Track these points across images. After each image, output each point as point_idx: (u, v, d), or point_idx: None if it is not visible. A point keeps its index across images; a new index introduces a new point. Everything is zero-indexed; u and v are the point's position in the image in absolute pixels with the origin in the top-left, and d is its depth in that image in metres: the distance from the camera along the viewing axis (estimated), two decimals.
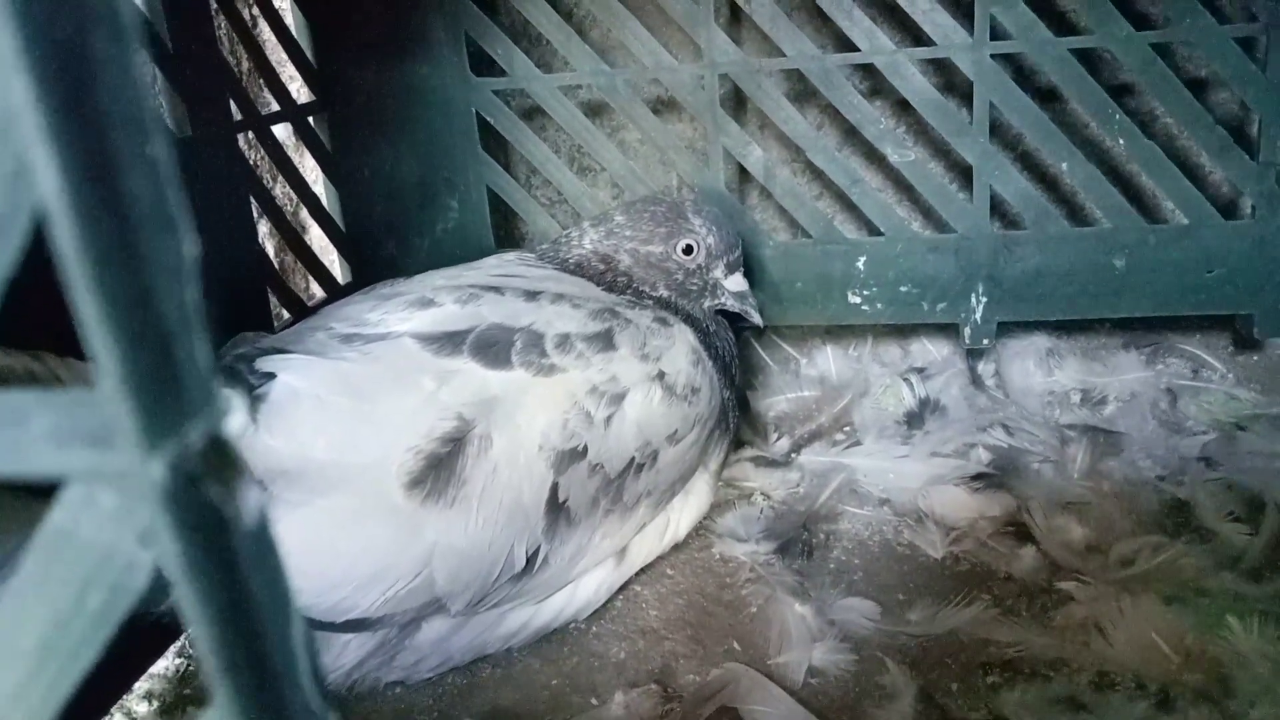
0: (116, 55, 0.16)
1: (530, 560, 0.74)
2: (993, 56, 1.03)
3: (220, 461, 0.19)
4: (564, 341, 0.79)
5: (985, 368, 1.19)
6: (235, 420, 0.19)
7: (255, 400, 0.68)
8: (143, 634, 0.58)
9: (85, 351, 0.18)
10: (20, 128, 0.16)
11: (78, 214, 0.17)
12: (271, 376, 0.69)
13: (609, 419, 0.78)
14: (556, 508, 0.75)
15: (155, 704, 0.82)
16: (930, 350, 1.21)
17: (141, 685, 0.83)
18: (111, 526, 0.20)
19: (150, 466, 0.18)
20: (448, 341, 0.76)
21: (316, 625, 0.68)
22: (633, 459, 0.80)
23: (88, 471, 0.19)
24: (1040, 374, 1.15)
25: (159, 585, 0.22)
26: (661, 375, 0.83)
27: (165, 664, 0.85)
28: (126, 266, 0.17)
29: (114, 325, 0.17)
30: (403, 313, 0.78)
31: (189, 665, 0.86)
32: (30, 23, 0.15)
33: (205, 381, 0.19)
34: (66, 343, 0.49)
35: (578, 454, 0.76)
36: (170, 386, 0.18)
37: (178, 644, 0.86)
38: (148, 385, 0.18)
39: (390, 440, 0.69)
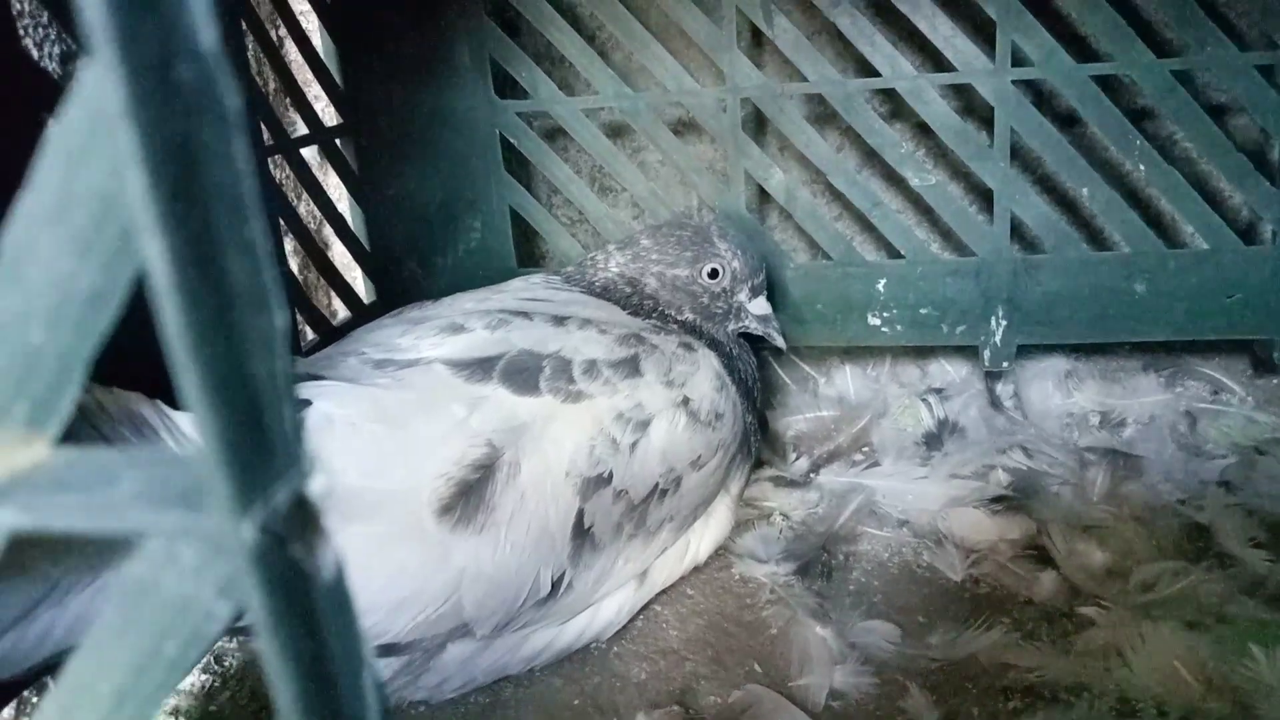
0: (220, 146, 0.17)
1: (555, 585, 0.75)
2: (1013, 82, 1.04)
3: (303, 520, 0.20)
4: (591, 368, 0.80)
5: (1004, 389, 1.19)
6: (319, 481, 0.20)
7: None
8: None
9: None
10: (128, 209, 0.18)
11: (182, 291, 0.18)
12: (307, 403, 0.70)
13: (634, 445, 0.79)
14: (582, 533, 0.76)
15: None
16: (949, 371, 1.22)
17: (169, 702, 0.84)
18: (193, 580, 0.21)
19: (240, 527, 0.19)
20: (478, 368, 0.77)
21: None
22: (657, 485, 0.81)
23: (176, 530, 0.20)
24: (1059, 396, 1.15)
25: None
26: (686, 401, 0.84)
27: (192, 680, 0.86)
28: (224, 339, 0.18)
29: (211, 394, 0.18)
30: (434, 338, 0.79)
31: (215, 682, 0.87)
32: (146, 120, 0.16)
33: (292, 445, 0.20)
34: (110, 371, 0.51)
35: (603, 480, 0.77)
36: (260, 450, 0.19)
37: (204, 660, 0.87)
38: (240, 449, 0.19)
39: (421, 467, 0.70)
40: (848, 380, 1.23)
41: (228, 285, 0.18)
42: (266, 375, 0.19)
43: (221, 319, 0.18)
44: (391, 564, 0.68)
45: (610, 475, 0.77)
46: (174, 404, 0.62)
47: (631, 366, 0.82)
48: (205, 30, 0.17)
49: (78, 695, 0.24)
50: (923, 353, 1.23)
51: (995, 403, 1.17)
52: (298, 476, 0.20)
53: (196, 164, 0.17)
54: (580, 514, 0.76)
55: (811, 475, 1.08)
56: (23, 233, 0.19)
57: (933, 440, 1.11)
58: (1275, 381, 1.15)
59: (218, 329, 0.18)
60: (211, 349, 0.18)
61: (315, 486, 0.20)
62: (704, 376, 0.87)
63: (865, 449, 1.13)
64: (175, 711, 0.84)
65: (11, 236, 0.19)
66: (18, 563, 0.50)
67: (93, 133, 0.17)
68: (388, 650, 0.71)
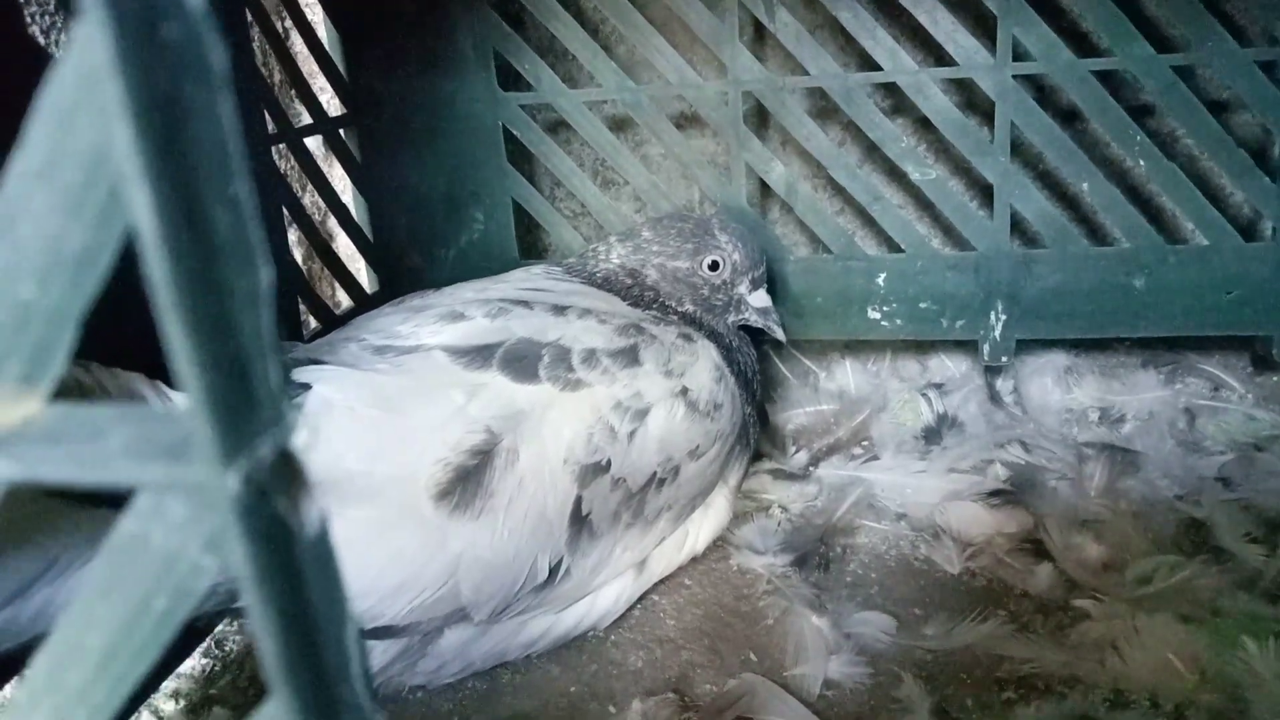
0: (206, 103, 0.18)
1: (553, 572, 0.76)
2: (1014, 77, 1.04)
3: (287, 474, 0.21)
4: (590, 357, 0.80)
5: (1003, 384, 1.19)
6: (302, 435, 0.21)
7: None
8: None
9: (169, 372, 0.19)
10: (117, 165, 0.18)
11: (168, 247, 0.18)
12: (306, 387, 0.71)
13: (632, 434, 0.80)
14: (579, 520, 0.77)
15: (182, 703, 0.84)
16: (949, 366, 1.22)
17: (169, 684, 0.85)
18: (180, 534, 0.22)
19: (225, 479, 0.20)
20: (477, 355, 0.77)
21: None
22: (654, 474, 0.82)
23: (163, 483, 0.21)
24: (1058, 391, 1.15)
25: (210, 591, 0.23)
26: (685, 391, 0.84)
27: (192, 663, 0.87)
28: (210, 294, 0.19)
29: (197, 347, 0.19)
30: (433, 326, 0.80)
31: (215, 665, 0.87)
32: (133, 75, 0.17)
33: (276, 399, 0.20)
34: (112, 352, 0.51)
35: (601, 468, 0.77)
36: (245, 404, 0.20)
37: (204, 644, 0.88)
38: (225, 403, 0.19)
39: (420, 452, 0.71)
40: (848, 374, 1.23)
41: (213, 240, 0.19)
42: (251, 330, 0.19)
43: (207, 274, 0.19)
44: (389, 548, 0.69)
45: (608, 463, 0.78)
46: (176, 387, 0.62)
47: (630, 356, 0.82)
48: None
49: (67, 652, 0.24)
50: (923, 347, 1.23)
51: (995, 398, 1.17)
52: (282, 431, 0.20)
53: (183, 120, 0.18)
54: (578, 501, 0.76)
55: (810, 468, 1.09)
56: (15, 190, 0.20)
57: (932, 435, 1.12)
58: (1275, 379, 1.15)
59: (203, 284, 0.19)
60: (197, 303, 0.19)
61: (299, 441, 0.21)
62: (703, 367, 0.87)
63: (864, 443, 1.14)
64: (175, 694, 0.85)
65: (4, 194, 0.20)
66: (16, 539, 0.51)
67: (82, 90, 0.18)
68: (385, 633, 0.71)
